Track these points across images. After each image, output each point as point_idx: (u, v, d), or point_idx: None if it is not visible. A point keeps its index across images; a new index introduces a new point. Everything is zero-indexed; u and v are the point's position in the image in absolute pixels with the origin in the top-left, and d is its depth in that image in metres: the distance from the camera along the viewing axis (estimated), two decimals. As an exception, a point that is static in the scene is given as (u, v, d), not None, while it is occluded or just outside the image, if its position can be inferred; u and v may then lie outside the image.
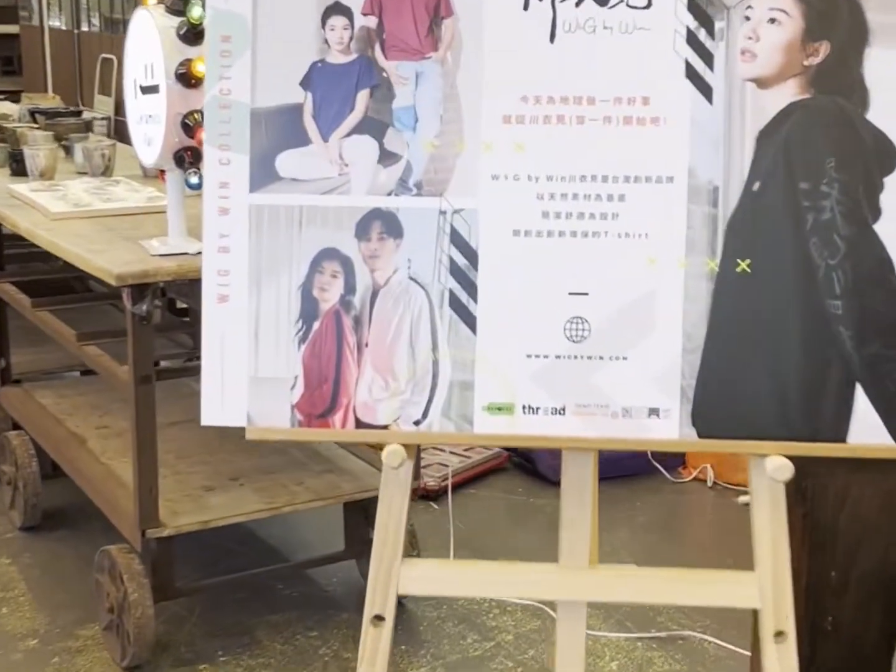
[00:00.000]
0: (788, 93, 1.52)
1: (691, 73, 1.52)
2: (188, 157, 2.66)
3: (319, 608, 3.01)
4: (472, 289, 1.55)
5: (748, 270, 1.52)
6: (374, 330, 1.56)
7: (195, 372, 2.87)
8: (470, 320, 1.55)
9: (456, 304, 1.55)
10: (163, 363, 3.67)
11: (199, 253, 2.24)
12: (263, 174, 1.57)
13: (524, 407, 1.55)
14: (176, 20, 2.60)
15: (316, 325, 1.57)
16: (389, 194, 1.56)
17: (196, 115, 2.61)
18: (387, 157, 1.56)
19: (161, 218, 2.80)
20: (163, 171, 2.75)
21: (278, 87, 1.56)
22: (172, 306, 4.01)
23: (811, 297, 1.51)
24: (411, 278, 1.56)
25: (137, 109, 2.75)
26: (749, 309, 1.53)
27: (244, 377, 1.58)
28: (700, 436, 1.54)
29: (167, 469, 2.95)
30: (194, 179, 2.69)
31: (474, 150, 1.54)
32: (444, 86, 1.55)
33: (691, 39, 1.52)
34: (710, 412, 1.54)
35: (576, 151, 1.53)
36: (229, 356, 1.58)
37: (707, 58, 1.53)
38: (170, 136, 2.63)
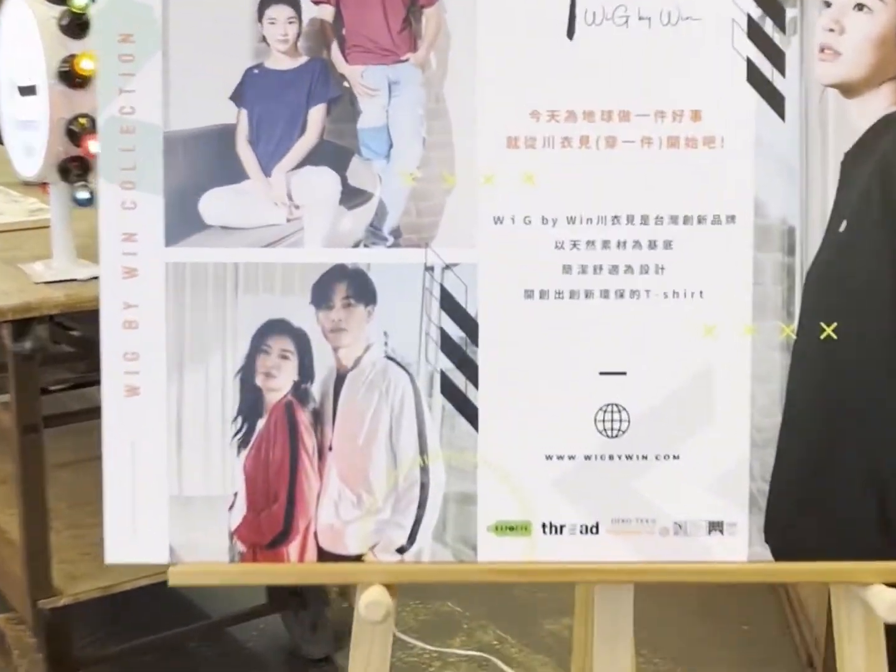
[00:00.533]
0: (883, 102, 1.09)
1: (756, 78, 1.09)
2: (75, 169, 2.18)
3: (239, 668, 2.55)
4: (471, 370, 1.10)
5: (834, 336, 1.09)
6: (341, 428, 1.10)
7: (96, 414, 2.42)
8: (469, 412, 1.10)
9: (450, 390, 1.10)
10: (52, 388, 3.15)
11: (92, 279, 1.93)
12: (183, 221, 1.09)
13: (545, 525, 1.11)
14: (57, 9, 2.10)
15: (260, 423, 1.11)
16: (357, 246, 1.10)
17: (83, 121, 2.13)
18: (352, 196, 1.10)
19: (47, 233, 2.31)
20: (45, 184, 2.26)
21: (201, 104, 1.09)
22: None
23: (916, 371, 1.09)
24: (389, 357, 1.10)
25: (14, 114, 2.25)
26: (837, 387, 1.10)
27: (163, 497, 1.11)
28: (776, 556, 1.11)
29: (60, 521, 2.46)
30: (83, 194, 2.21)
31: (470, 185, 1.09)
32: (427, 98, 1.09)
33: (755, 33, 1.09)
34: (788, 524, 1.11)
35: (605, 184, 1.09)
36: (143, 469, 1.11)
37: (776, 57, 1.09)
38: (53, 144, 2.14)
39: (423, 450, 1.10)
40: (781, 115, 1.09)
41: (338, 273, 1.09)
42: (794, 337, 1.09)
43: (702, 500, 1.10)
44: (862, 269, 1.09)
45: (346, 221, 1.10)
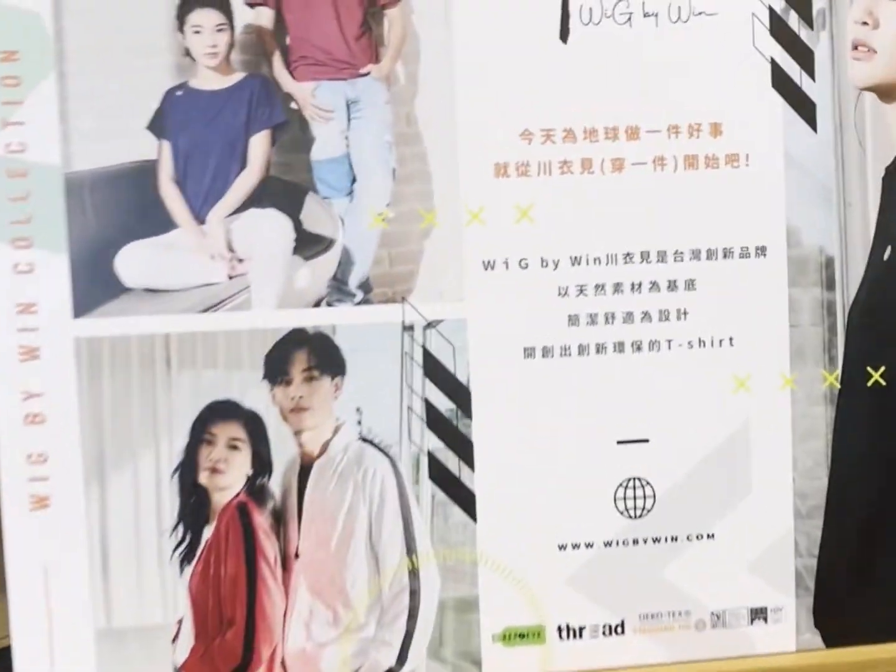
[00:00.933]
0: (925, 106, 0.91)
1: (782, 82, 0.89)
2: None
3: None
4: (464, 448, 0.87)
5: (883, 383, 0.90)
6: (309, 530, 0.87)
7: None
8: (465, 499, 0.88)
9: (441, 474, 0.87)
10: None
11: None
12: (96, 285, 0.84)
13: (561, 629, 0.89)
14: None
15: (207, 531, 0.86)
16: (318, 305, 0.86)
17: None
18: (308, 244, 0.86)
19: None
20: None
21: (110, 136, 0.83)
22: None
23: (977, 417, 0.91)
24: (364, 440, 0.87)
25: None
26: (889, 441, 0.91)
27: (88, 631, 0.85)
28: (828, 642, 0.92)
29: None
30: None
31: (453, 223, 0.86)
32: (396, 120, 0.86)
33: (778, 28, 0.89)
34: (841, 604, 0.92)
35: (614, 215, 0.88)
36: (60, 598, 0.85)
37: (804, 57, 0.89)
38: None
39: (410, 549, 0.87)
40: (813, 125, 0.89)
41: (296, 339, 0.85)
42: (838, 386, 0.90)
43: (742, 584, 0.90)
44: (911, 301, 0.90)
45: (302, 276, 0.86)
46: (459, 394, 0.87)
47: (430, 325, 0.86)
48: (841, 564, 0.91)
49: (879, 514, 0.91)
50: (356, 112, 0.86)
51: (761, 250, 0.89)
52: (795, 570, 0.91)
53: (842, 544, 0.91)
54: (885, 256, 0.90)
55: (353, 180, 0.86)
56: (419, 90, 0.86)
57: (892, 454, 0.91)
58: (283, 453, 0.86)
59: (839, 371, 0.90)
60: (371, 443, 0.86)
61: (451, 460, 0.87)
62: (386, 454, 0.87)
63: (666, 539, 0.89)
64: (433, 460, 0.87)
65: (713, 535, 0.90)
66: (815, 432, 0.90)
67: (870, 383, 0.90)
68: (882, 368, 0.90)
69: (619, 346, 0.88)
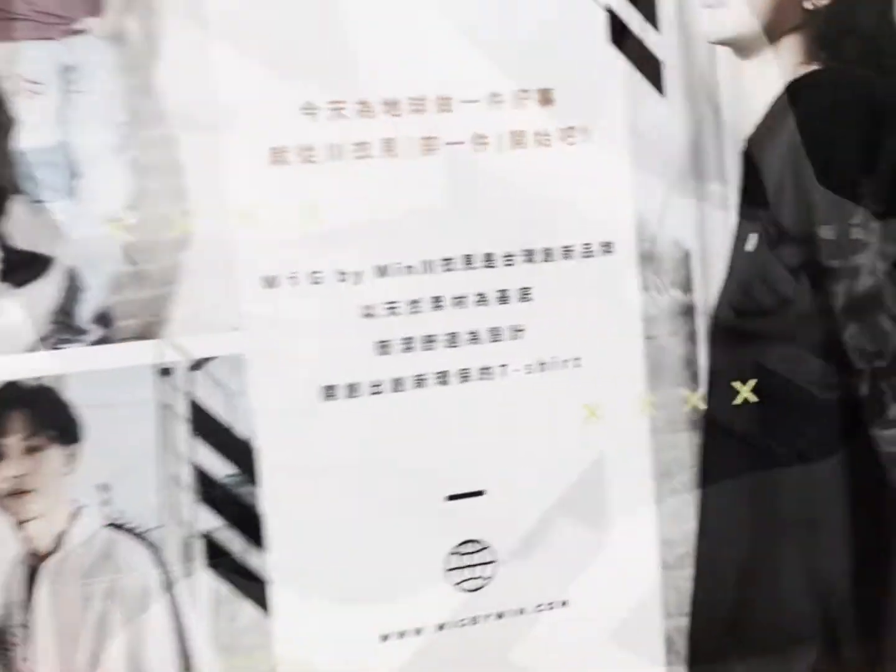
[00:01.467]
0: (785, 63, 0.73)
1: (621, 36, 0.69)
2: None
3: None
4: (250, 523, 0.64)
5: (753, 399, 0.72)
6: (43, 656, 0.61)
7: None
8: (256, 590, 0.64)
9: (221, 561, 0.64)
10: None
11: None
12: None
13: (387, 742, 0.67)
14: None
15: None
16: (35, 348, 0.60)
17: None
18: (18, 267, 0.60)
19: None
20: None
21: None
22: None
23: (857, 431, 0.74)
24: (114, 525, 0.62)
25: None
26: (763, 470, 0.73)
27: None
28: (706, 715, 0.73)
29: None
30: None
31: (218, 229, 0.62)
32: (129, 91, 0.61)
33: (614, -31, 0.69)
34: (718, 667, 0.73)
35: (427, 210, 0.66)
36: None
37: (645, 4, 0.69)
38: None
39: (187, 666, 0.63)
40: (659, 87, 0.70)
41: (7, 398, 0.60)
42: (702, 407, 0.71)
43: (604, 659, 0.71)
44: (780, 298, 0.72)
45: (12, 310, 0.60)
46: (240, 454, 0.63)
47: (195, 365, 0.62)
48: (715, 621, 0.72)
49: (755, 559, 0.73)
50: (74, 83, 0.60)
51: (606, 246, 0.69)
52: (665, 633, 0.72)
53: (715, 597, 0.72)
54: (750, 246, 0.72)
55: (74, 175, 0.60)
56: (160, 52, 0.61)
57: (766, 484, 0.73)
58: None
59: (702, 389, 0.71)
60: (123, 529, 0.62)
61: (234, 542, 0.64)
62: (145, 542, 0.62)
63: (511, 613, 0.69)
64: (210, 544, 0.63)
65: (566, 602, 0.70)
66: (679, 465, 0.71)
67: (738, 401, 0.72)
68: (752, 382, 0.72)
69: (442, 377, 0.66)
